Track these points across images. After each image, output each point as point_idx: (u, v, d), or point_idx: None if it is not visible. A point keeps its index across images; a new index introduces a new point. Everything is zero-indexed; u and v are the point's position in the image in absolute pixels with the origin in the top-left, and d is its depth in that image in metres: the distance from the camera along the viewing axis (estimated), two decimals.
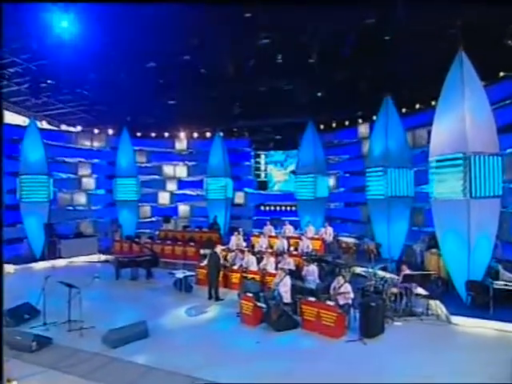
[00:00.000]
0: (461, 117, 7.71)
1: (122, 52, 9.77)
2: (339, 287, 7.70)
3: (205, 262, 10.39)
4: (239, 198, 19.13)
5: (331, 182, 16.59)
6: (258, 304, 7.63)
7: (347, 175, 16.77)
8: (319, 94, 11.82)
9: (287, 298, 8.10)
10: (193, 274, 10.39)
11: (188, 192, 19.46)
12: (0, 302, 3.46)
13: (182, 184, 19.52)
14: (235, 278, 10.33)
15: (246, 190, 19.47)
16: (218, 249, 9.92)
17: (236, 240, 12.34)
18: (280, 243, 12.05)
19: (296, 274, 9.09)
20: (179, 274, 9.74)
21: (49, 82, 11.68)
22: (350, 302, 7.61)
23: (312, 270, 9.41)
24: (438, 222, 8.51)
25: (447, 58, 8.00)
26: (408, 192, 11.69)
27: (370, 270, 9.60)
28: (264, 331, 7.36)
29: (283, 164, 19.21)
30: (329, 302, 7.29)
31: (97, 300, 9.24)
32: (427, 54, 8.88)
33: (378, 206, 12.01)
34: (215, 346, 6.74)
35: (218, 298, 9.41)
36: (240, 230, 13.10)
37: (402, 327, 7.62)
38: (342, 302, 7.47)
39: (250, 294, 7.87)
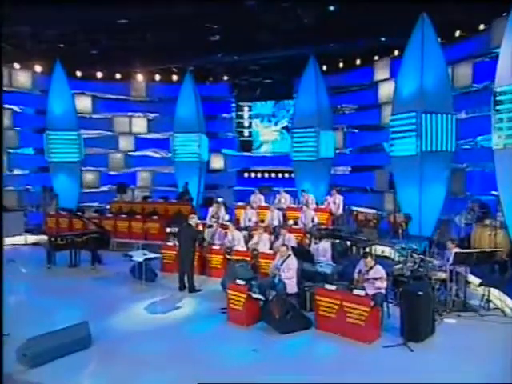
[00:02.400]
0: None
1: None
2: (367, 271, 6.85)
3: (174, 241, 9.64)
4: (217, 161, 18.87)
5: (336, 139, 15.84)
6: (254, 295, 6.78)
7: (355, 131, 16.41)
8: (331, 8, 10.34)
9: (292, 287, 7.33)
10: (157, 256, 9.61)
11: (149, 153, 18.87)
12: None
13: (140, 142, 18.82)
14: (216, 261, 9.71)
15: (226, 151, 19.10)
16: (193, 220, 8.95)
17: (215, 212, 11.61)
18: (275, 215, 11.39)
19: (302, 253, 8.20)
20: (138, 257, 8.77)
21: None
22: (383, 291, 6.76)
23: (324, 249, 8.66)
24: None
25: None
26: (448, 146, 10.84)
27: (401, 248, 8.97)
28: (262, 334, 6.57)
29: (273, 119, 18.83)
30: (357, 291, 6.33)
31: (17, 295, 8.36)
32: None
33: (405, 166, 11.16)
34: (192, 358, 5.84)
35: (193, 289, 8.65)
36: (220, 199, 12.64)
37: (457, 326, 6.83)
38: (371, 292, 6.64)
39: (241, 282, 6.98)
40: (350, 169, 16.36)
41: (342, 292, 6.66)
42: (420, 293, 6.21)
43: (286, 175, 17.22)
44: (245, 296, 6.85)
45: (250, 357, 5.87)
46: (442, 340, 6.32)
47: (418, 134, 10.66)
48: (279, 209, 11.84)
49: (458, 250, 7.51)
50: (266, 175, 18.30)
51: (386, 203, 13.81)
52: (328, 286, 6.78)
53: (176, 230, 9.81)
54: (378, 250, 10.48)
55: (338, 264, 8.52)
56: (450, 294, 7.27)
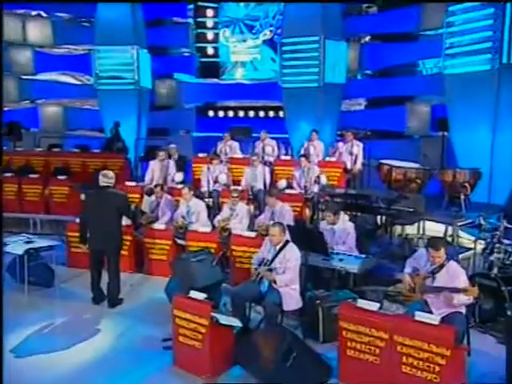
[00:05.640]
0: None
1: None
2: (434, 272, 5.70)
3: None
4: (166, 92, 18.38)
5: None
6: (222, 320, 5.68)
7: (377, 42, 16.19)
8: None
9: (292, 300, 6.36)
10: (55, 243, 8.50)
11: (58, 78, 18.22)
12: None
13: (43, 60, 18.08)
14: (160, 249, 9.01)
15: (180, 76, 18.68)
16: (111, 181, 7.97)
17: (159, 168, 11.28)
18: (258, 173, 10.96)
19: (307, 237, 7.09)
20: (16, 247, 7.81)
21: None
22: (463, 310, 5.63)
23: (344, 230, 7.69)
24: None
25: None
26: None
27: (472, 224, 8.33)
28: None
29: (251, 27, 18.30)
30: (421, 315, 5.14)
31: None
32: None
33: (467, 91, 11.09)
34: None
35: (115, 300, 7.61)
36: (172, 146, 12.41)
37: None
38: (440, 311, 5.51)
39: (198, 295, 5.86)
40: (364, 103, 16.49)
41: (391, 316, 5.42)
42: None
43: (272, 113, 17.39)
44: (206, 321, 5.59)
45: None
46: None
47: (497, 38, 10.72)
48: (264, 163, 11.64)
49: None
50: (242, 113, 18.10)
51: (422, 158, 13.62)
52: (363, 303, 5.50)
53: None
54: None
55: (366, 254, 7.52)
56: None
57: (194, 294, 5.77)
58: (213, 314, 5.53)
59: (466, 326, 5.59)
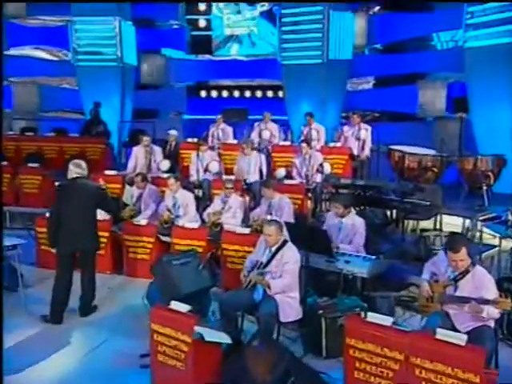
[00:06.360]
0: None
1: None
2: (456, 278, 5.35)
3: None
4: (153, 69, 18.25)
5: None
6: (207, 336, 5.32)
7: (387, 13, 16.14)
8: None
9: (292, 310, 6.13)
10: (23, 241, 8.22)
11: (31, 53, 17.99)
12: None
13: (14, 33, 17.58)
14: (142, 247, 8.79)
15: (168, 52, 18.64)
16: (82, 172, 7.64)
17: (142, 154, 11.27)
18: (253, 161, 10.90)
19: (308, 236, 6.89)
20: None
21: None
22: (491, 323, 5.29)
23: (352, 228, 7.50)
24: None
25: None
26: None
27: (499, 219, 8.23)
28: None
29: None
30: (443, 333, 4.80)
31: None
32: None
33: (492, 68, 11.03)
34: None
35: (88, 308, 7.33)
36: (172, 133, 12.44)
37: None
38: (468, 326, 5.26)
39: (181, 306, 5.53)
40: (373, 81, 16.52)
41: (408, 333, 5.01)
42: None
43: (270, 94, 17.44)
44: (189, 338, 5.21)
45: None
46: None
47: None
48: (260, 150, 11.59)
49: None
50: (237, 94, 18.17)
51: (437, 141, 13.29)
52: (374, 317, 5.11)
53: None
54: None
55: (376, 255, 7.26)
56: None
57: (175, 304, 5.41)
58: (197, 329, 5.14)
59: (495, 343, 5.23)
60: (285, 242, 6.08)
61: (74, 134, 14.34)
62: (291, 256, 6.01)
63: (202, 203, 9.78)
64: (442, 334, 4.65)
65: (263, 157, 11.03)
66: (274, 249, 6.02)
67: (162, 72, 18.31)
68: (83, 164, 7.61)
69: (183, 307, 5.35)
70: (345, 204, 7.42)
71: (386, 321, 4.95)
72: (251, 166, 10.75)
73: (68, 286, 7.18)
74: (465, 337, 4.64)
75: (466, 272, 5.19)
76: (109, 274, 8.35)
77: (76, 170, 7.35)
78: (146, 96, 17.25)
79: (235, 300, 6.00)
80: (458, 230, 9.40)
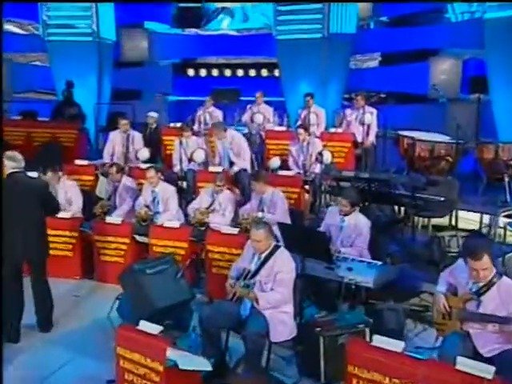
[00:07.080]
0: None
1: None
2: (480, 292, 5.07)
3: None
4: (134, 44, 17.89)
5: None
6: (180, 362, 5.01)
7: None
8: None
9: (285, 327, 5.81)
10: None
11: None
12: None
13: None
14: (115, 249, 8.57)
15: (152, 25, 18.47)
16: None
17: (120, 140, 11.16)
18: (243, 148, 10.70)
19: (304, 239, 6.75)
20: None
21: None
22: None
23: (355, 229, 7.25)
24: None
25: None
26: None
27: None
28: None
29: None
30: (464, 365, 4.46)
31: None
32: None
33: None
34: None
35: (48, 322, 7.03)
36: (151, 115, 12.47)
37: None
38: (492, 349, 4.93)
39: (148, 327, 5.25)
40: (379, 58, 16.32)
41: (421, 361, 4.60)
42: None
43: (265, 72, 17.33)
44: (160, 366, 4.87)
45: None
46: None
47: None
48: (250, 135, 11.99)
49: None
50: (228, 73, 18.03)
51: (452, 126, 12.63)
52: (381, 341, 4.78)
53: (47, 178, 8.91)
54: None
55: (382, 260, 7.08)
56: None
57: (143, 325, 5.06)
58: (169, 356, 4.77)
59: None
60: (276, 248, 5.76)
61: (44, 117, 14.28)
62: (284, 264, 5.68)
63: (187, 196, 9.71)
64: (464, 363, 4.31)
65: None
66: (263, 256, 5.70)
67: (145, 48, 17.89)
68: (18, 155, 7.03)
69: (154, 328, 5.02)
70: (352, 202, 7.21)
71: (396, 346, 4.64)
72: (244, 152, 10.49)
73: (18, 297, 6.77)
74: (492, 369, 4.22)
75: (490, 284, 4.86)
76: (78, 279, 8.12)
77: (10, 163, 6.77)
78: (126, 75, 16.93)
79: (218, 316, 5.63)
80: (476, 226, 9.38)
